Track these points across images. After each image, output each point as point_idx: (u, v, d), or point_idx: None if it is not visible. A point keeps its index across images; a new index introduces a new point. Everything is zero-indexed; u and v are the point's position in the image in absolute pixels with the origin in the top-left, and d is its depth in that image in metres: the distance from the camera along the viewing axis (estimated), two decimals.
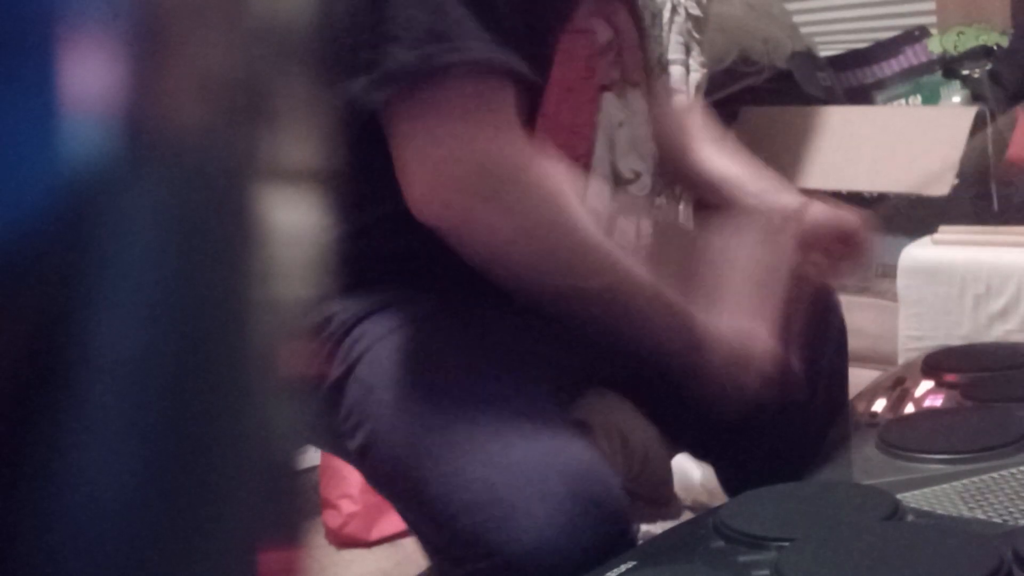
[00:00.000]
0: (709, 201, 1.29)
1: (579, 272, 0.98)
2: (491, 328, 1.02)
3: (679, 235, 1.15)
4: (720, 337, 1.01)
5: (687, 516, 1.26)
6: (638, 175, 1.12)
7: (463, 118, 0.93)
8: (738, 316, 1.03)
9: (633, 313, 0.99)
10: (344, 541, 2.04)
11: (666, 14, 2.04)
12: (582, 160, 1.08)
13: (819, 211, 1.22)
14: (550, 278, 0.98)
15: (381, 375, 0.99)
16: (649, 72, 1.24)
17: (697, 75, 2.07)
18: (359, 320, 1.02)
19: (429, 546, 0.99)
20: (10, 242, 0.33)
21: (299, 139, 0.44)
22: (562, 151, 1.06)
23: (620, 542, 0.91)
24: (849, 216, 1.25)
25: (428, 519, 0.95)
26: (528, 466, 0.89)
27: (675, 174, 1.31)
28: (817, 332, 1.23)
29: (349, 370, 1.00)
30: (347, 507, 2.01)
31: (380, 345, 1.01)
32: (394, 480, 0.99)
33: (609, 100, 1.10)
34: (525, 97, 1.00)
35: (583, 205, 0.99)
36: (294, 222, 0.43)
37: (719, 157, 1.27)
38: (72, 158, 0.34)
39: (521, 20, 0.99)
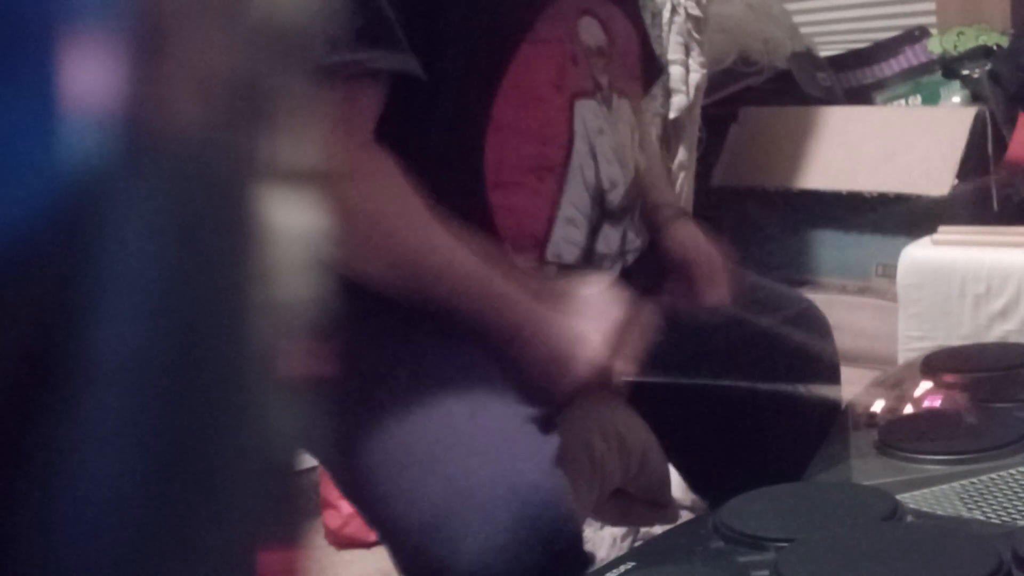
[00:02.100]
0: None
1: (409, 271, 1.01)
2: (467, 345, 1.01)
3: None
4: (544, 337, 1.01)
5: (686, 517, 1.26)
6: (614, 184, 1.12)
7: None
8: (576, 322, 1.02)
9: (461, 301, 1.00)
10: (344, 541, 2.04)
11: (666, 14, 2.04)
12: (555, 169, 1.07)
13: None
14: (387, 277, 1.01)
15: (346, 389, 0.98)
16: (647, 79, 1.23)
17: (697, 75, 2.07)
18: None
19: (392, 559, 1.00)
20: (10, 242, 0.33)
21: (298, 139, 0.44)
22: (530, 159, 1.06)
23: (570, 566, 0.91)
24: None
25: (384, 535, 0.99)
26: (477, 487, 0.89)
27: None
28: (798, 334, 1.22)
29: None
30: (347, 507, 2.01)
31: (350, 358, 1.00)
32: (356, 494, 1.02)
33: (587, 107, 1.09)
34: (475, 105, 1.02)
35: (415, 205, 1.00)
36: (293, 223, 0.43)
37: None
38: (71, 158, 0.34)
39: (467, 27, 1.01)
